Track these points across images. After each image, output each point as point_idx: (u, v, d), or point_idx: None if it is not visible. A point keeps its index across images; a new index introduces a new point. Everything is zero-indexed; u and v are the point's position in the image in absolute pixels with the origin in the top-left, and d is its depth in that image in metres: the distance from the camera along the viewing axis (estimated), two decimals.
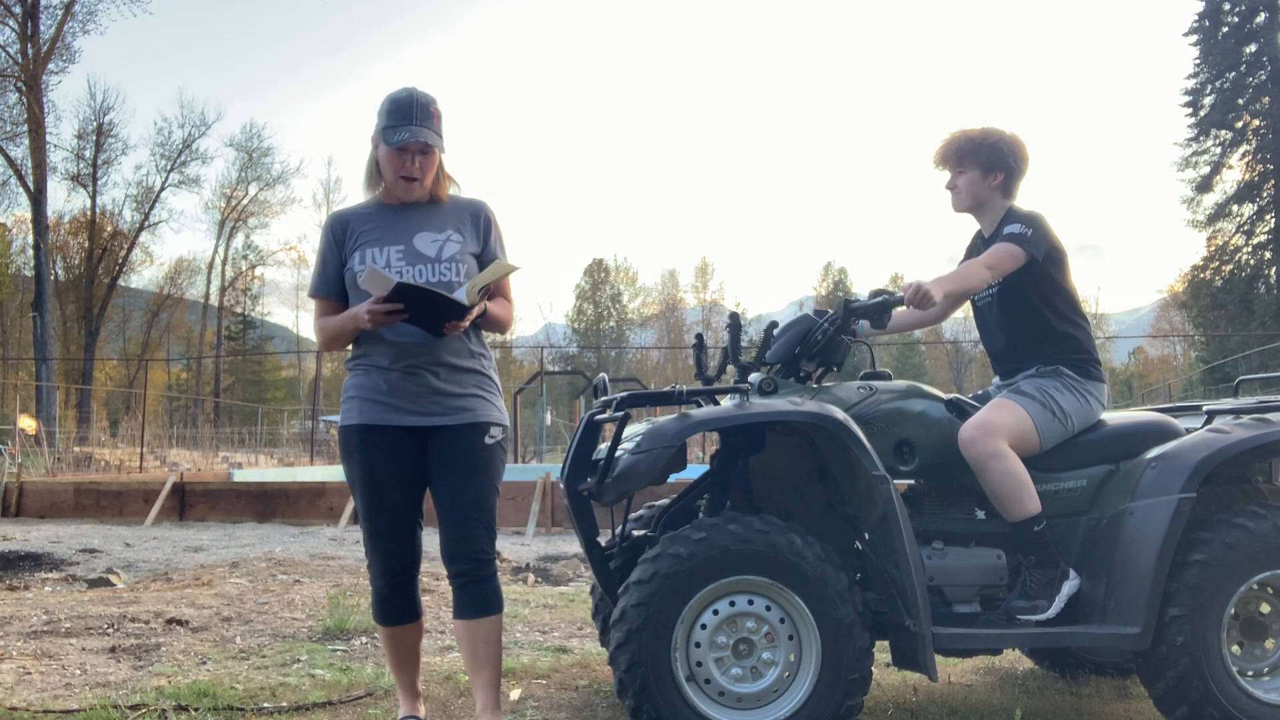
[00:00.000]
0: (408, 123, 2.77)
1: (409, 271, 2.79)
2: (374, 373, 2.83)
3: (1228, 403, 3.28)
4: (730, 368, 3.40)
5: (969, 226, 3.49)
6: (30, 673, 3.82)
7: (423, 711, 3.02)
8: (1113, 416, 3.28)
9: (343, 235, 2.87)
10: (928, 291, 2.92)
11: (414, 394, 2.80)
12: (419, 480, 2.87)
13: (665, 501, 3.50)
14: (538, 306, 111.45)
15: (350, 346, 2.93)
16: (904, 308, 3.02)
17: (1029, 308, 3.22)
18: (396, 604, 2.90)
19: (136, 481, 13.20)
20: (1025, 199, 3.36)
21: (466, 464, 2.82)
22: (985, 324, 3.40)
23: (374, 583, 2.91)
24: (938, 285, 3.00)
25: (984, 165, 3.27)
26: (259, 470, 20.11)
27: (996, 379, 3.43)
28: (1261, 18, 31.57)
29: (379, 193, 2.93)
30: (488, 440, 2.86)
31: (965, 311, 3.64)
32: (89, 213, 40.90)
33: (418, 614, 2.96)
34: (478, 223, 2.95)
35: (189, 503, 12.17)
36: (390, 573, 2.87)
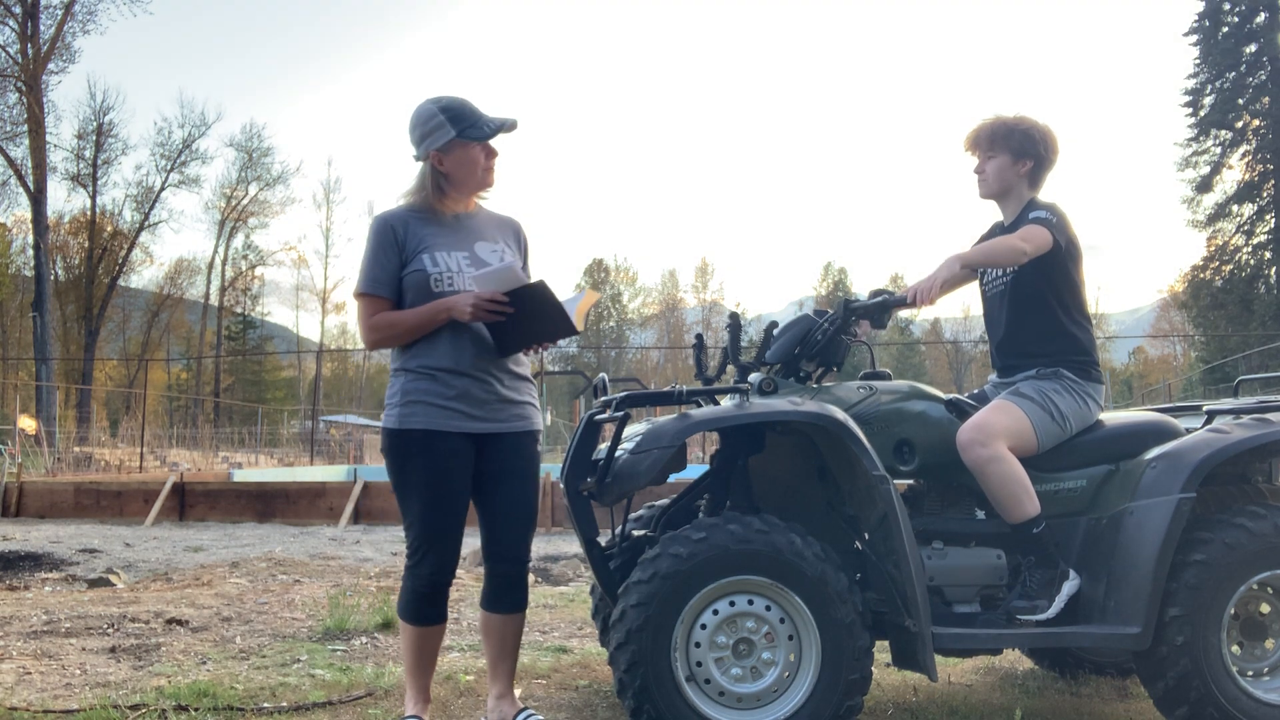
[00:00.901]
0: (482, 118, 2.88)
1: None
2: (442, 376, 2.85)
3: (1228, 403, 3.28)
4: (730, 368, 3.41)
5: (968, 225, 3.50)
6: (30, 673, 3.82)
7: (428, 716, 3.03)
8: (1112, 417, 3.28)
9: (404, 236, 2.89)
10: (952, 268, 2.96)
11: (481, 401, 2.87)
12: (470, 484, 2.92)
13: (665, 501, 3.50)
14: None
15: (393, 349, 2.95)
16: (907, 306, 3.04)
17: (1039, 301, 3.21)
18: (434, 605, 2.92)
19: (136, 481, 13.21)
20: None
21: (525, 471, 2.96)
22: (991, 312, 3.39)
23: (417, 584, 2.90)
24: (960, 257, 3.02)
25: (1014, 151, 3.27)
26: (259, 470, 20.13)
27: (993, 376, 3.43)
28: (1261, 18, 31.56)
29: (421, 200, 2.94)
30: (538, 447, 3.01)
31: (966, 312, 3.65)
32: (89, 213, 40.92)
33: (445, 615, 2.99)
34: (519, 239, 3.10)
35: (189, 503, 12.18)
36: (439, 573, 2.88)
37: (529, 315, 2.78)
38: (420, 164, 2.93)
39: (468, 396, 2.84)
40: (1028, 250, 3.04)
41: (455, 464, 2.84)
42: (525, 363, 3.02)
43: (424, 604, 2.91)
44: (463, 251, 2.89)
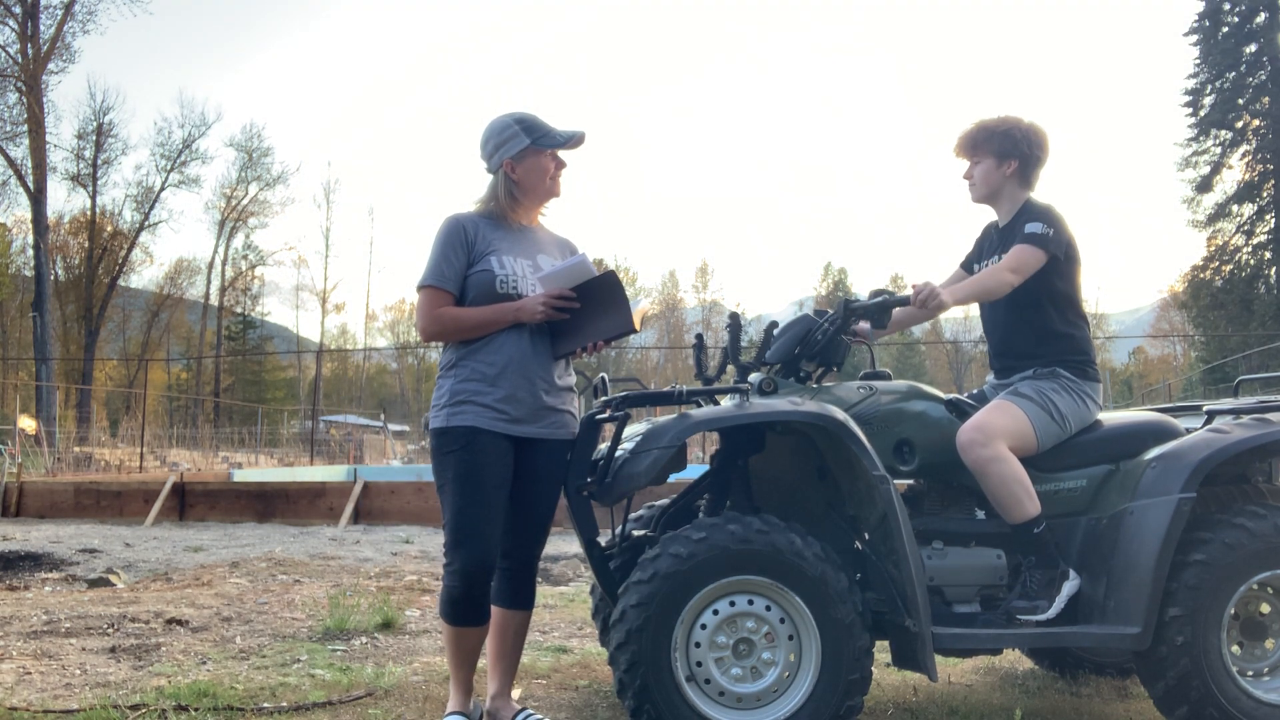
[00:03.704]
0: (554, 129, 3.02)
1: (539, 288, 2.95)
2: (492, 378, 2.91)
3: (1228, 403, 3.28)
4: (730, 368, 3.41)
5: (968, 225, 3.50)
6: (30, 673, 3.82)
7: (471, 707, 3.05)
8: (1113, 417, 3.28)
9: (474, 238, 2.99)
10: (939, 298, 2.96)
11: (529, 406, 2.93)
12: (507, 486, 2.95)
13: (665, 501, 3.50)
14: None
15: (448, 347, 3.00)
16: (909, 306, 3.04)
17: (1035, 303, 3.22)
18: (468, 605, 2.91)
19: (136, 481, 13.19)
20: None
21: (555, 478, 3.02)
22: (988, 314, 3.40)
23: (450, 582, 2.90)
24: (951, 293, 3.02)
25: (997, 153, 3.28)
26: (259, 470, 20.11)
27: (991, 376, 3.43)
28: (1261, 18, 31.55)
29: (492, 208, 3.05)
30: (568, 456, 3.05)
31: (966, 312, 3.66)
32: (89, 213, 40.89)
33: (485, 618, 2.97)
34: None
35: (189, 503, 12.17)
36: (471, 572, 2.87)
37: (592, 311, 2.90)
38: (492, 176, 3.07)
39: (513, 400, 2.91)
40: (1015, 282, 3.09)
41: (492, 461, 2.88)
42: (570, 374, 3.11)
43: (457, 604, 2.89)
44: (528, 259, 3.01)
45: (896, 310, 3.25)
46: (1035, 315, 3.22)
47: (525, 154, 3.01)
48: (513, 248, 3.01)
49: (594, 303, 2.90)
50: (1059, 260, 3.14)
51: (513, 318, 2.91)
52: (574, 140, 3.04)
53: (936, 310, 3.07)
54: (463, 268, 2.96)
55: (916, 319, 3.49)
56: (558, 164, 3.07)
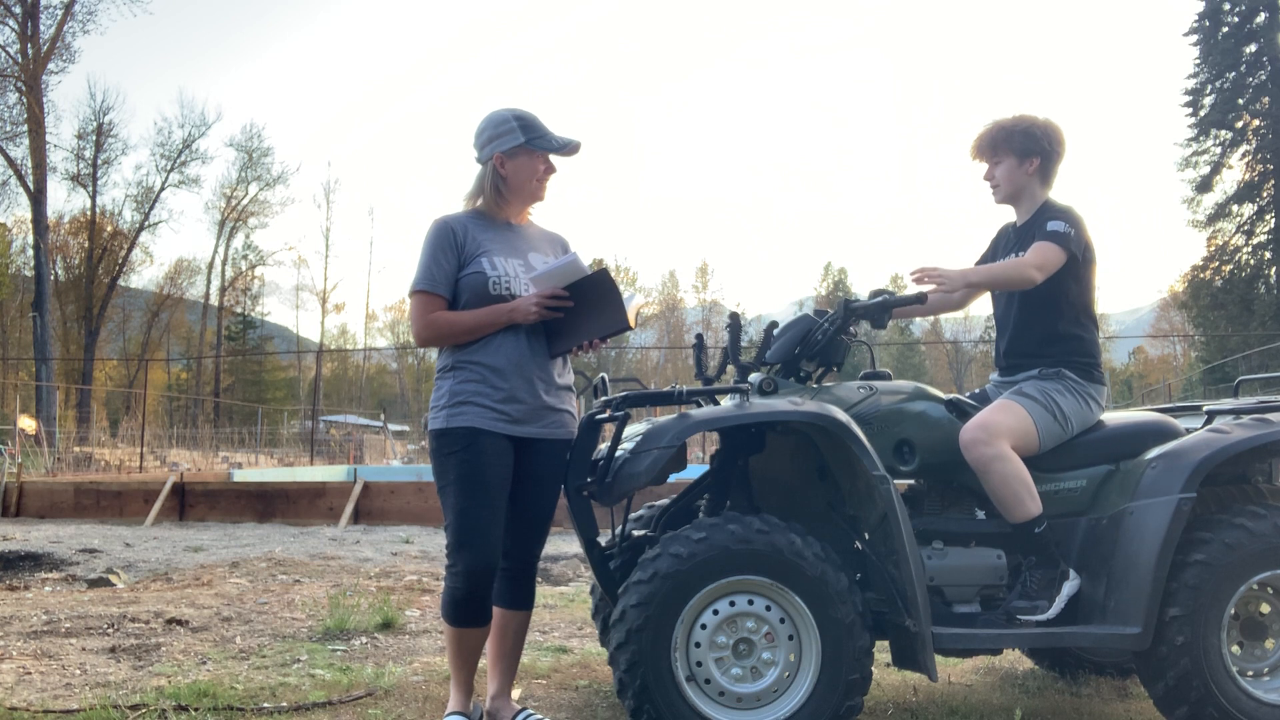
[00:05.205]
0: (550, 133, 3.01)
1: (532, 288, 2.95)
2: (491, 379, 2.91)
3: (1228, 403, 3.28)
4: (730, 368, 3.41)
5: (967, 224, 3.50)
6: (30, 673, 3.82)
7: (472, 707, 3.04)
8: (1113, 417, 3.28)
9: (463, 239, 2.98)
10: (952, 286, 2.96)
11: (529, 406, 2.93)
12: (509, 486, 2.94)
13: (665, 501, 3.50)
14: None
15: (445, 349, 2.99)
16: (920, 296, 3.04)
17: (1049, 303, 3.21)
18: (470, 607, 2.90)
19: (136, 481, 13.19)
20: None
21: (554, 477, 3.02)
22: (1001, 312, 3.40)
23: (454, 584, 2.89)
24: (969, 275, 3.01)
25: (1019, 151, 3.27)
26: (259, 470, 20.11)
27: (995, 374, 3.43)
28: (1261, 18, 31.54)
29: (479, 204, 3.05)
30: (567, 455, 3.05)
31: (965, 312, 3.65)
32: (89, 213, 40.88)
33: (487, 619, 2.97)
34: (565, 254, 3.16)
35: (189, 503, 12.17)
36: (474, 573, 2.86)
37: (586, 310, 2.89)
38: (480, 167, 3.05)
39: (514, 400, 2.90)
40: (1038, 278, 3.07)
41: (494, 462, 2.87)
42: (569, 373, 3.11)
43: (460, 605, 2.89)
44: (519, 259, 3.00)
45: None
46: (1046, 315, 3.22)
47: (517, 152, 2.99)
48: (503, 248, 3.00)
49: (588, 301, 2.89)
50: (1076, 261, 3.14)
51: (507, 319, 2.90)
52: (568, 148, 3.03)
53: (943, 308, 3.06)
54: (453, 270, 2.95)
55: (944, 307, 3.47)
56: (547, 168, 3.06)
